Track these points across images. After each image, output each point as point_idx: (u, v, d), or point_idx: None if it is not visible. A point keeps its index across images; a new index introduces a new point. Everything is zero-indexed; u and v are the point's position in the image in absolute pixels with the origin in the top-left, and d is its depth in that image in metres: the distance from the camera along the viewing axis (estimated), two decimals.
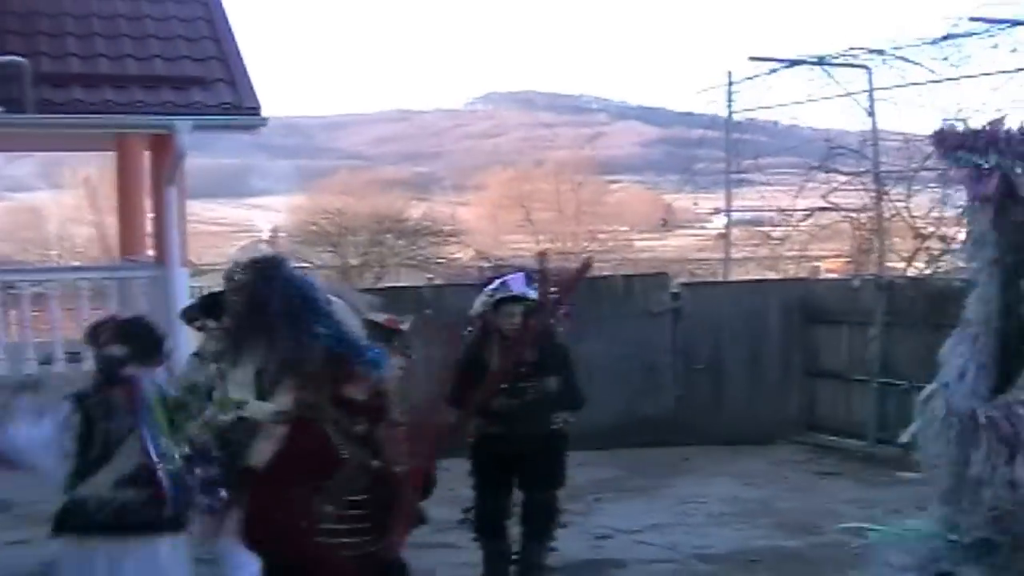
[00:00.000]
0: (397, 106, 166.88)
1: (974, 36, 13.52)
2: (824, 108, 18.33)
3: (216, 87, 13.93)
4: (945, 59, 13.97)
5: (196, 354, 7.29)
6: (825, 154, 15.96)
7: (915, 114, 20.75)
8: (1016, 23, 12.98)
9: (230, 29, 14.98)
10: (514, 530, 8.58)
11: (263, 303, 4.31)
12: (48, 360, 13.66)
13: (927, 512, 5.07)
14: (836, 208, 15.78)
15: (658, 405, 14.95)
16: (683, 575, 9.26)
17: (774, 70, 16.14)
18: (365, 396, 4.56)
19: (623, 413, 14.37)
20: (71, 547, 6.27)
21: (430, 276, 33.36)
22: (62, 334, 13.72)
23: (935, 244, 14.58)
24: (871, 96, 15.33)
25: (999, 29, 13.20)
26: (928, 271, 14.58)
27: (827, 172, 15.84)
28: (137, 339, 6.41)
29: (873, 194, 15.27)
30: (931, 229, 14.58)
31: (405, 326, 6.22)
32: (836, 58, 15.43)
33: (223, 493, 5.44)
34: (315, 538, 4.36)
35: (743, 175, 17.46)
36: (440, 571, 8.88)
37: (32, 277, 15.18)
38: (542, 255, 6.17)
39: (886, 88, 15.18)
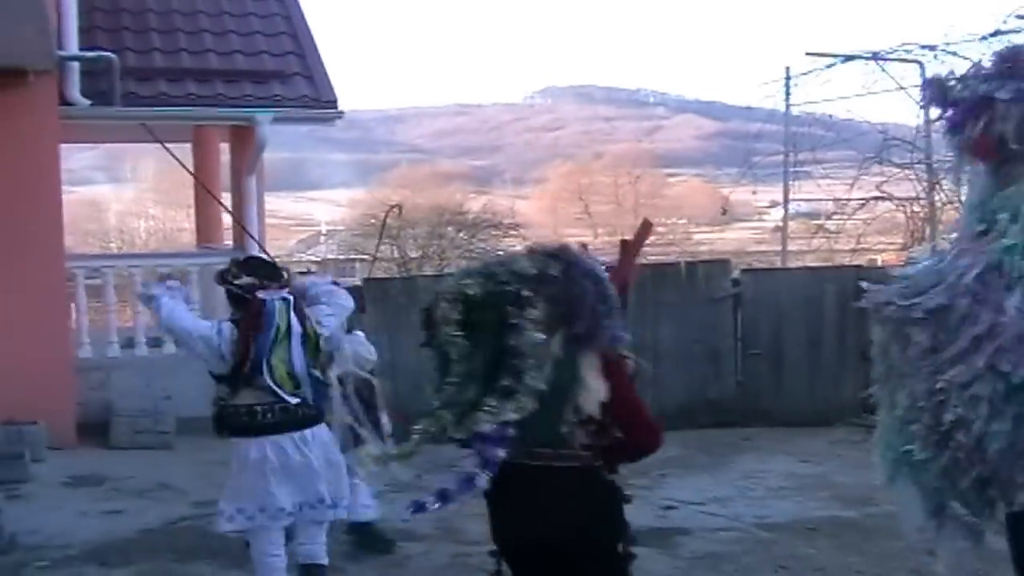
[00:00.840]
0: (456, 100, 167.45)
1: (1022, 32, 13.69)
2: (879, 102, 18.55)
3: (294, 80, 14.46)
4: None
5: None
6: (879, 146, 16.15)
7: None
8: None
9: (306, 25, 15.48)
10: None
11: (579, 292, 4.98)
12: (130, 344, 14.29)
13: None
14: (890, 197, 16.02)
15: (721, 388, 15.20)
16: (745, 542, 9.37)
17: (830, 65, 16.31)
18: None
19: (688, 395, 14.65)
20: (246, 443, 6.95)
21: None
22: (144, 319, 14.33)
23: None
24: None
25: None
26: None
27: (881, 163, 16.05)
28: (259, 268, 7.12)
29: (926, 184, 15.50)
30: None
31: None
32: (890, 53, 15.52)
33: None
34: None
35: (801, 168, 17.64)
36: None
37: (115, 263, 15.74)
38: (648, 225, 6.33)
39: None
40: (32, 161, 12.59)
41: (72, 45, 13.15)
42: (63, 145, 13.57)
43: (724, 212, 22.67)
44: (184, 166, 13.72)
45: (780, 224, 19.51)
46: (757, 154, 20.39)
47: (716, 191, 47.33)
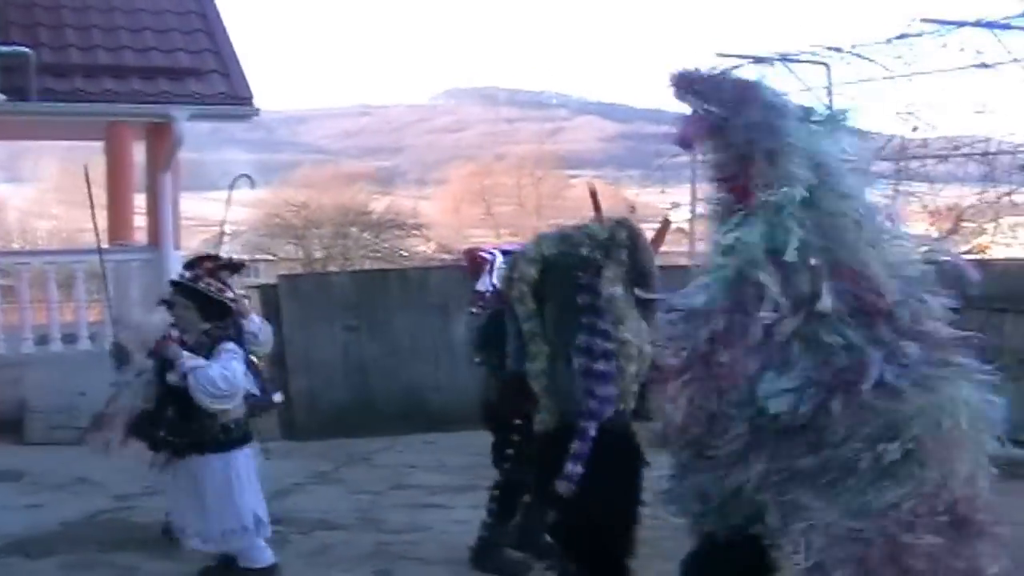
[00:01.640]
0: (360, 101, 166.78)
1: (925, 36, 14.03)
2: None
3: (211, 77, 14.48)
4: (899, 57, 14.41)
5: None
6: None
7: (871, 109, 21.17)
8: (962, 24, 13.56)
9: (222, 22, 15.49)
10: None
11: (648, 259, 5.69)
12: (44, 341, 14.22)
13: None
14: None
15: None
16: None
17: (738, 66, 16.49)
18: None
19: None
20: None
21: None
22: (58, 316, 14.34)
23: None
24: (830, 91, 15.75)
25: (947, 30, 13.74)
26: None
27: None
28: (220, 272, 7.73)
29: None
30: None
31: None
32: (797, 55, 15.81)
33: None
34: None
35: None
36: (436, 526, 9.49)
37: (30, 260, 15.83)
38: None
39: (845, 84, 15.65)
40: None
41: None
42: None
43: (633, 210, 22.88)
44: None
45: (682, 226, 19.68)
46: (663, 156, 20.60)
47: (618, 192, 47.65)
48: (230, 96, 14.30)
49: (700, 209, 17.55)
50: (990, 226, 14.69)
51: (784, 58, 15.79)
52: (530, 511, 7.66)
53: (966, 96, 13.66)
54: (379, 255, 41.64)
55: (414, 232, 46.30)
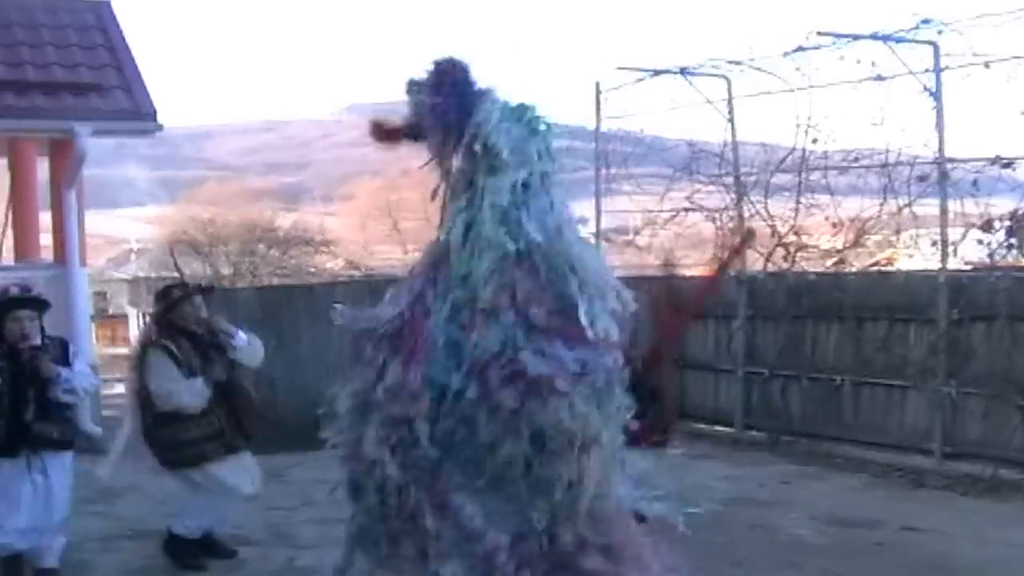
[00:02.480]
0: (263, 117, 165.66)
1: (822, 48, 14.21)
2: (687, 117, 18.86)
3: (113, 93, 14.37)
4: (798, 69, 14.56)
5: None
6: (688, 159, 16.54)
7: (771, 121, 21.38)
8: (857, 37, 13.76)
9: (123, 37, 15.37)
10: None
11: None
12: None
13: None
14: (700, 209, 16.45)
15: None
16: None
17: (640, 79, 16.57)
18: None
19: None
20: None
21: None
22: None
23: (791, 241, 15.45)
24: (730, 104, 15.88)
25: (843, 43, 13.93)
26: (785, 267, 15.46)
27: (690, 176, 16.46)
28: None
29: (734, 196, 15.97)
30: (787, 228, 15.39)
31: None
32: (697, 69, 15.95)
33: None
34: None
35: (611, 184, 17.89)
36: None
37: None
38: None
39: (745, 96, 15.80)
40: None
41: None
42: None
43: None
44: None
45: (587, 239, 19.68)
46: (565, 171, 20.61)
47: None
48: (133, 111, 14.19)
49: (604, 223, 17.42)
50: (895, 238, 14.92)
51: (684, 71, 15.93)
52: None
53: (864, 108, 13.84)
54: (287, 272, 41.37)
55: (322, 249, 46.06)
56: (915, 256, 15.14)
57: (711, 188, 16.42)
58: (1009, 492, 11.67)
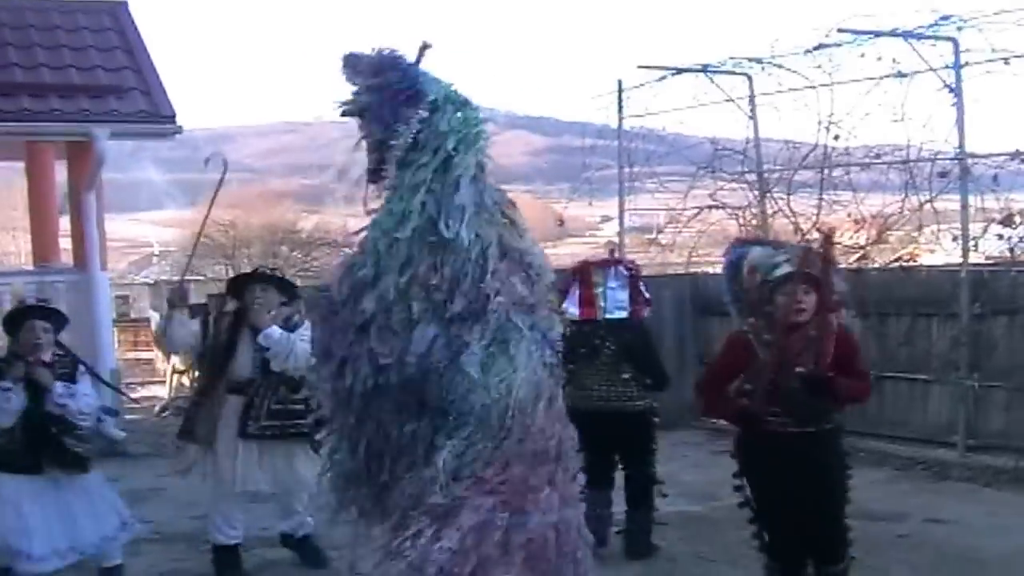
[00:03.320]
0: (284, 118, 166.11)
1: (844, 45, 14.15)
2: (709, 114, 18.78)
3: (131, 95, 14.30)
4: (818, 67, 14.55)
5: None
6: (711, 157, 16.51)
7: (793, 118, 21.34)
8: (878, 34, 13.69)
9: (141, 39, 15.31)
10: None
11: None
12: None
13: None
14: (723, 206, 16.40)
15: None
16: None
17: (662, 77, 16.52)
18: None
19: None
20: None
21: None
22: None
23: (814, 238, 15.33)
24: (752, 102, 15.83)
25: (864, 40, 13.88)
26: None
27: (713, 174, 16.42)
28: None
29: (756, 194, 15.90)
30: (809, 225, 15.29)
31: None
32: (719, 66, 15.89)
33: None
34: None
35: (635, 183, 17.83)
36: None
37: None
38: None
39: (766, 94, 15.74)
40: None
41: None
42: None
43: (561, 223, 22.88)
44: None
45: (611, 239, 19.57)
46: (589, 169, 20.57)
47: (547, 206, 47.62)
48: (151, 113, 14.13)
49: (628, 222, 17.33)
50: (917, 234, 14.85)
51: (706, 69, 15.86)
52: None
53: (885, 104, 13.78)
54: (310, 273, 41.38)
55: (345, 249, 46.04)
56: (937, 251, 15.04)
57: (734, 186, 16.42)
58: None
